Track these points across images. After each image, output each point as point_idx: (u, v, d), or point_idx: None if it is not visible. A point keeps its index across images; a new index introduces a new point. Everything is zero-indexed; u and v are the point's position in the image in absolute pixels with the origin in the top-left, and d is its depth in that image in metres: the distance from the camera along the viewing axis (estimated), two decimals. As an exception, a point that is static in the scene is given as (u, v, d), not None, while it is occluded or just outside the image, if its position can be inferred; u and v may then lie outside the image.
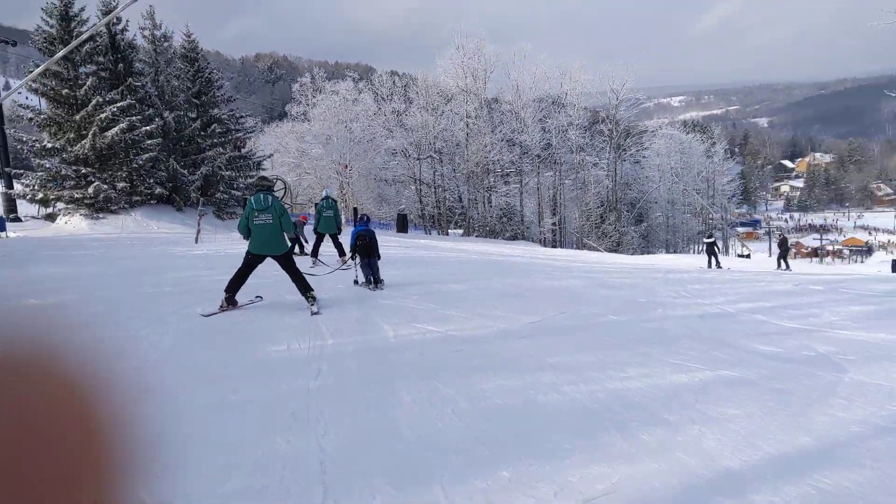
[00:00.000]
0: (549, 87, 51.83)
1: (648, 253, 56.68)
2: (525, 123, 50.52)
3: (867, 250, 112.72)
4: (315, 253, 14.64)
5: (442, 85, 49.82)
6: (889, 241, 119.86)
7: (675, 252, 60.97)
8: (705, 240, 27.12)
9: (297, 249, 16.50)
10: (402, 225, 45.57)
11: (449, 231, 51.43)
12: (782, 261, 25.91)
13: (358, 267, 12.33)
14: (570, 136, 51.63)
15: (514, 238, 49.56)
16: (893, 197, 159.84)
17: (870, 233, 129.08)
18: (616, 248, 51.26)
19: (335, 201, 15.03)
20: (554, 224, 52.98)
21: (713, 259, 26.01)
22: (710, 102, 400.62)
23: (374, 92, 50.05)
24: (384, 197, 52.02)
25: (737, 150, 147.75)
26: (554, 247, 53.26)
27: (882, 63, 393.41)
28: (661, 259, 35.78)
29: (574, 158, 52.21)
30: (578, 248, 51.76)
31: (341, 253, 14.55)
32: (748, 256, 54.68)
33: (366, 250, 12.13)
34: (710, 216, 67.23)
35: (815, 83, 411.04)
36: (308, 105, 48.30)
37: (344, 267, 13.28)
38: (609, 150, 53.17)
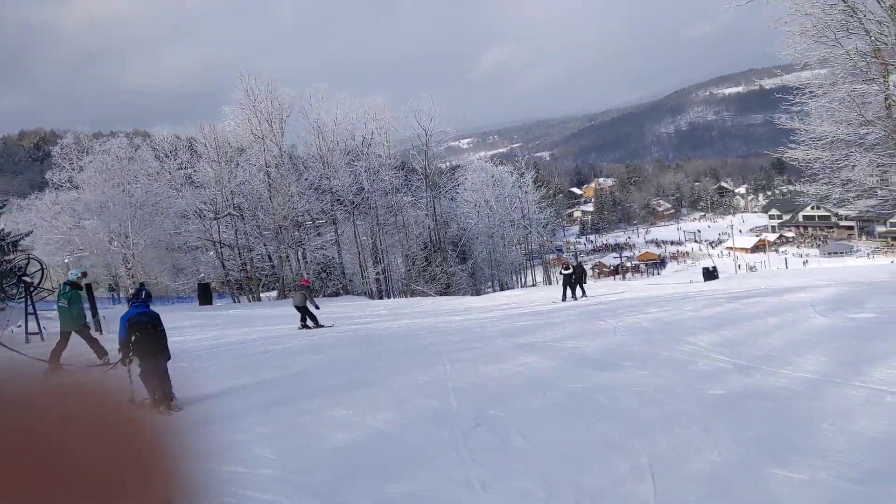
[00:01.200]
0: (354, 127, 48.00)
1: (480, 292, 54.28)
2: (333, 168, 46.17)
3: (661, 262, 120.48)
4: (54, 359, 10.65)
5: (233, 134, 44.17)
6: (678, 252, 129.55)
7: (504, 287, 59.25)
8: (563, 271, 24.10)
9: (309, 323, 16.39)
10: (205, 296, 38.95)
11: (261, 295, 45.32)
12: (578, 288, 23.76)
13: (135, 376, 7.37)
14: (383, 177, 47.98)
15: (336, 294, 44.61)
16: (672, 211, 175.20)
17: (658, 245, 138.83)
18: (446, 289, 48.08)
19: (74, 286, 11.07)
20: (378, 273, 48.80)
21: (570, 290, 23.20)
22: (496, 142, 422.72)
23: (154, 148, 43.18)
24: (180, 267, 44.76)
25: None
26: (380, 297, 49.02)
27: (639, 92, 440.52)
28: (505, 296, 32.69)
29: (391, 200, 48.52)
30: (408, 296, 47.93)
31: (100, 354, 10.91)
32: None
33: (146, 346, 7.21)
34: (529, 246, 66.73)
35: (584, 115, 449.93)
36: (74, 169, 40.17)
37: (107, 368, 9.01)
38: (425, 188, 50.19)
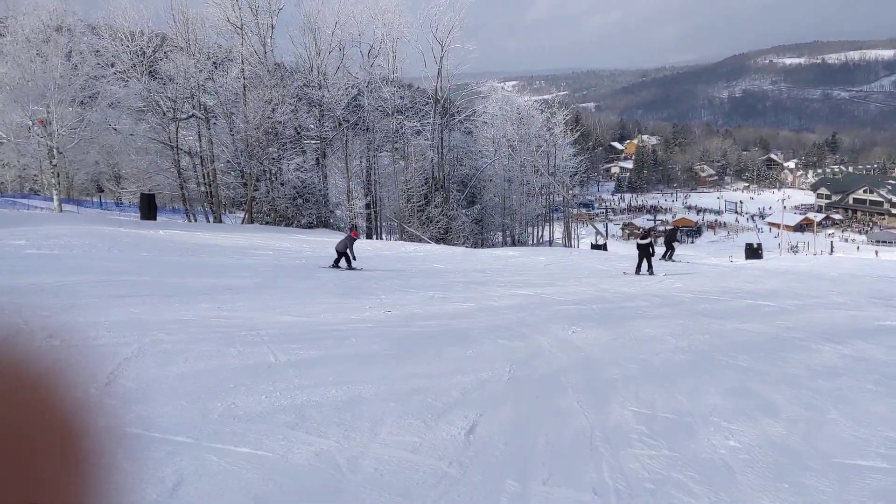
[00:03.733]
0: (358, 31, 40.10)
1: (484, 243, 47.20)
2: (325, 76, 38.75)
3: (697, 230, 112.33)
4: None
5: (211, 18, 36.72)
6: (716, 221, 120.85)
7: (515, 242, 51.97)
8: (639, 241, 19.68)
9: (343, 264, 16.90)
10: (148, 209, 32.34)
11: (223, 219, 38.65)
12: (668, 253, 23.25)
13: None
14: (384, 94, 40.42)
15: (311, 225, 37.81)
16: (715, 177, 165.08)
17: (697, 212, 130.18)
18: (444, 236, 40.96)
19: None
20: (368, 207, 41.80)
21: (647, 262, 18.78)
22: (542, 87, 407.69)
23: (109, 25, 35.71)
24: (138, 172, 37.99)
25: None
26: (368, 237, 42.12)
27: (695, 53, 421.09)
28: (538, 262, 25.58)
29: (390, 124, 40.90)
30: (400, 239, 40.99)
31: None
32: (604, 247, 46.57)
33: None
34: (552, 196, 59.07)
35: (637, 70, 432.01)
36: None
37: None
38: (434, 114, 42.32)
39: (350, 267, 16.95)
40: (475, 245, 44.57)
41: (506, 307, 10.45)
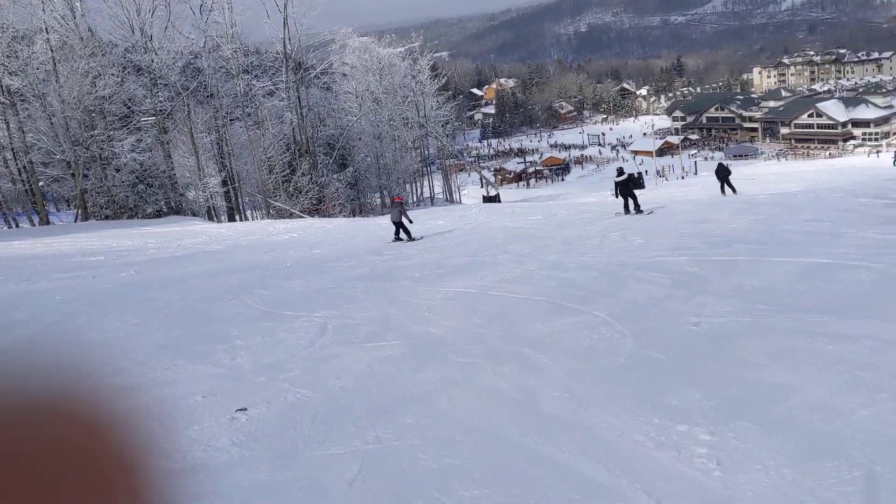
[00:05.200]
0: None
1: (363, 209, 43.49)
2: (150, 38, 32.99)
3: (566, 167, 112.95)
4: None
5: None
6: (582, 156, 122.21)
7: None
8: (616, 179, 18.05)
9: (402, 235, 16.42)
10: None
11: (52, 219, 32.45)
12: (726, 185, 22.67)
13: None
14: (225, 54, 35.09)
15: (160, 214, 32.48)
16: (574, 113, 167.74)
17: (562, 149, 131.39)
18: (317, 206, 36.67)
19: None
20: (224, 184, 36.73)
21: (633, 200, 17.52)
22: (394, 40, 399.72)
23: None
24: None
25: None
26: (231, 218, 37.27)
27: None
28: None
29: (237, 86, 35.61)
30: (267, 216, 36.33)
31: None
32: (497, 198, 43.82)
33: None
34: (426, 149, 55.70)
35: (484, 15, 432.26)
36: None
37: None
38: (286, 71, 37.29)
39: (410, 238, 16.40)
40: (354, 213, 40.62)
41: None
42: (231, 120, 37.47)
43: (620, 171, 18.08)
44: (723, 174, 22.72)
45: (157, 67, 32.57)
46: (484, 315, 7.06)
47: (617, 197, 17.91)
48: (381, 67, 47.59)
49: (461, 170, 70.25)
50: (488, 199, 43.03)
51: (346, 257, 12.51)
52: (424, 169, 55.38)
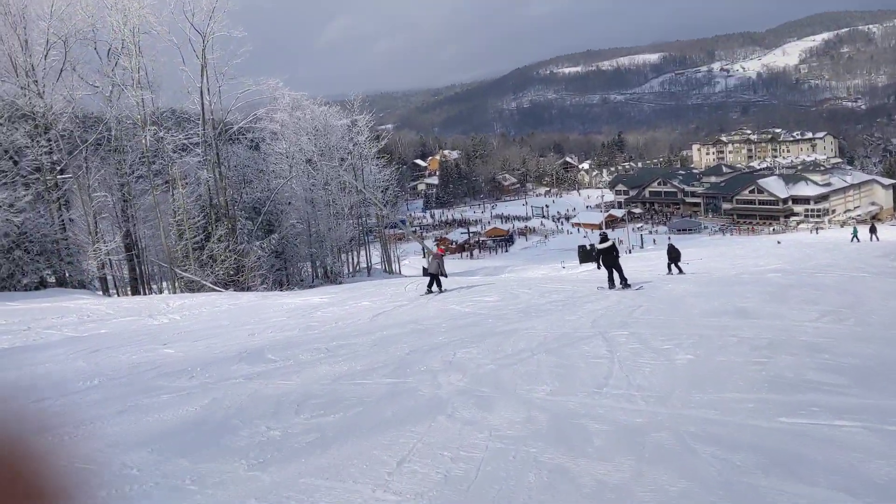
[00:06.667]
0: (84, 17, 29.72)
1: (290, 280, 38.76)
2: (37, 81, 28.26)
3: (509, 238, 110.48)
4: None
5: None
6: (526, 227, 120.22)
7: (329, 275, 43.82)
8: (599, 246, 16.56)
9: (434, 287, 16.80)
10: None
11: None
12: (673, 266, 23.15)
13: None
14: (130, 101, 30.47)
15: (40, 286, 27.03)
16: (518, 185, 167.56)
17: (505, 220, 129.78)
18: (234, 277, 31.69)
19: None
20: (128, 249, 31.52)
21: (618, 272, 15.71)
22: (339, 113, 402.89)
23: None
24: None
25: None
26: (134, 292, 31.97)
27: (482, 69, 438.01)
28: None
29: (142, 140, 30.82)
30: (173, 289, 31.11)
31: None
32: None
33: None
34: (364, 218, 51.47)
35: (428, 90, 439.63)
36: None
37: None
38: (202, 123, 32.76)
39: (441, 290, 16.73)
40: (278, 284, 35.74)
41: None
42: (138, 178, 32.56)
43: (604, 237, 16.49)
44: (674, 255, 23.68)
45: (41, 114, 27.66)
46: None
47: (599, 268, 16.27)
48: (315, 126, 43.60)
49: (400, 239, 66.14)
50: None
51: (197, 368, 7.79)
52: (362, 237, 51.00)
